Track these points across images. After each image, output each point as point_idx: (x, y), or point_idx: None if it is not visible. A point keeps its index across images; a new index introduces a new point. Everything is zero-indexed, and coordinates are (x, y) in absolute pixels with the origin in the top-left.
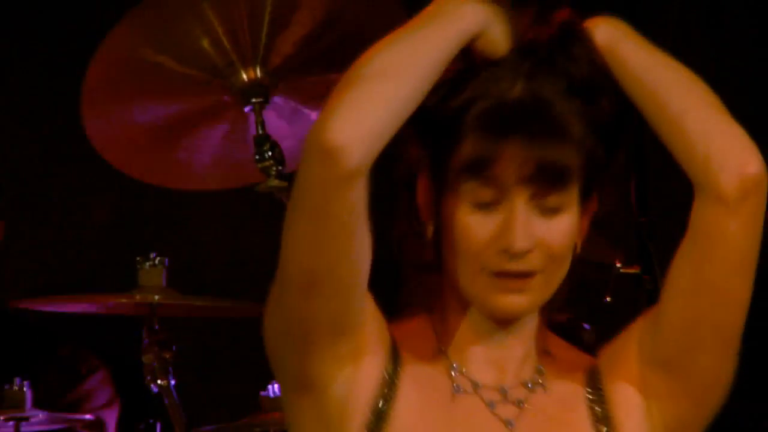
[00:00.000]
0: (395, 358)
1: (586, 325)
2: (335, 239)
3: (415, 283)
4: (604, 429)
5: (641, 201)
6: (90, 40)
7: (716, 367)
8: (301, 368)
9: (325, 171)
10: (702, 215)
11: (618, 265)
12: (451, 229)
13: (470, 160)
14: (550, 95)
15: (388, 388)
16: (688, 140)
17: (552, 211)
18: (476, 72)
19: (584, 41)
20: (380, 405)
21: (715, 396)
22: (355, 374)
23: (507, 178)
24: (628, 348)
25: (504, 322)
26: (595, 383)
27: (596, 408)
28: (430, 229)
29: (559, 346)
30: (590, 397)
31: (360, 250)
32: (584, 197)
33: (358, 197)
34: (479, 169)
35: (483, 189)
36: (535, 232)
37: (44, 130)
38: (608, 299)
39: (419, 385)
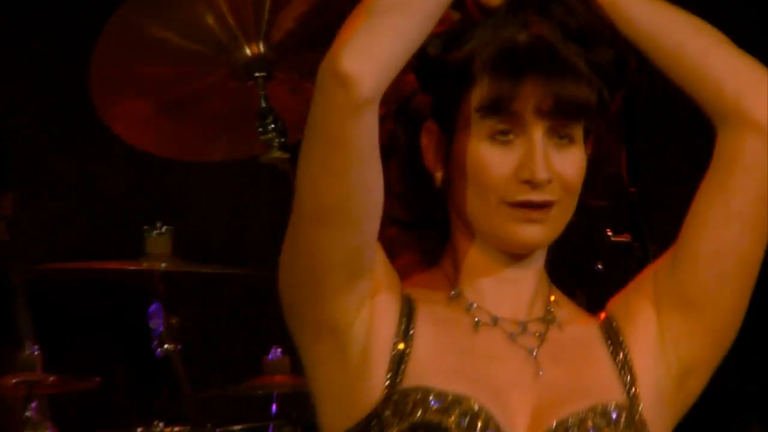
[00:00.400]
0: (409, 303)
1: (578, 292)
2: (350, 167)
3: (412, 242)
4: (622, 363)
5: (631, 171)
6: (98, 17)
7: (736, 302)
8: (320, 313)
9: (340, 98)
10: (734, 147)
11: (609, 233)
12: (468, 167)
13: (490, 99)
14: (552, 40)
15: (406, 326)
16: (714, 76)
17: (565, 145)
18: (476, 24)
19: None
20: (399, 345)
21: (730, 334)
22: (372, 318)
23: (526, 113)
24: (643, 292)
25: (518, 257)
26: (608, 326)
27: (613, 346)
28: (439, 176)
29: (561, 296)
30: (605, 337)
31: (373, 180)
32: (586, 136)
33: (371, 125)
34: (499, 106)
35: (501, 124)
36: (553, 163)
37: (55, 105)
38: (599, 266)
39: (436, 325)
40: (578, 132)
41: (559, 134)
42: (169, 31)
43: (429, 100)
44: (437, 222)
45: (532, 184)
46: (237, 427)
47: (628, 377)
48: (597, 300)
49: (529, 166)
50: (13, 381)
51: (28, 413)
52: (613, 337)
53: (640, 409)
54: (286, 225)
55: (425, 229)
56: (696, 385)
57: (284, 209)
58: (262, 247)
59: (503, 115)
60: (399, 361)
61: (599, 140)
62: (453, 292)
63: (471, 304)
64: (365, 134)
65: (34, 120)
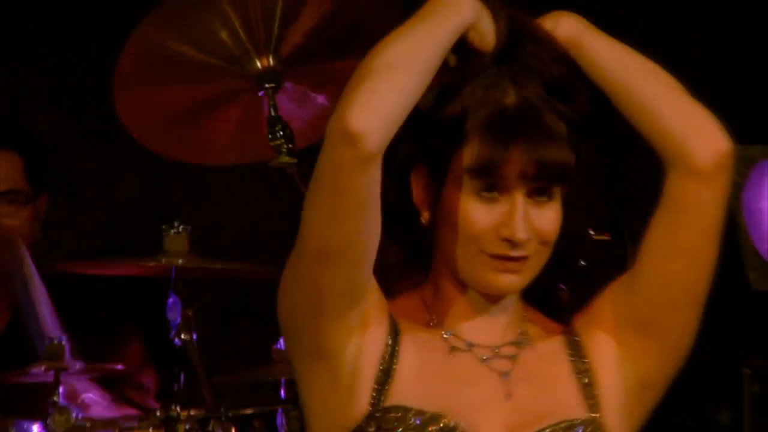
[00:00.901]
0: (394, 326)
1: (561, 286)
2: (353, 214)
3: (397, 266)
4: (586, 379)
5: (611, 177)
6: (122, 31)
7: (685, 325)
8: (315, 337)
9: (348, 153)
10: (678, 188)
11: (591, 232)
12: (453, 217)
13: (480, 163)
14: (535, 99)
15: (391, 351)
16: (663, 123)
17: (544, 202)
18: (466, 79)
19: (549, 41)
20: (385, 365)
21: (682, 352)
22: (363, 341)
23: (511, 177)
24: (603, 311)
25: (494, 297)
26: (573, 343)
27: (577, 363)
28: (425, 216)
29: (535, 314)
30: (571, 353)
31: (373, 225)
32: (563, 188)
33: (376, 177)
34: (488, 171)
35: (488, 185)
36: (532, 221)
37: (81, 113)
38: (583, 263)
39: (418, 348)
40: (557, 189)
41: (539, 194)
42: (187, 45)
43: (420, 148)
44: (420, 253)
45: (512, 243)
46: (248, 411)
47: (592, 394)
48: (580, 293)
49: (510, 227)
50: (42, 368)
51: (55, 398)
52: (578, 354)
53: (602, 423)
54: (292, 226)
55: (405, 261)
56: (653, 396)
57: (290, 211)
58: (271, 246)
59: (491, 178)
60: (384, 381)
61: (576, 190)
62: (431, 321)
63: (448, 333)
64: (371, 185)
65: (61, 126)
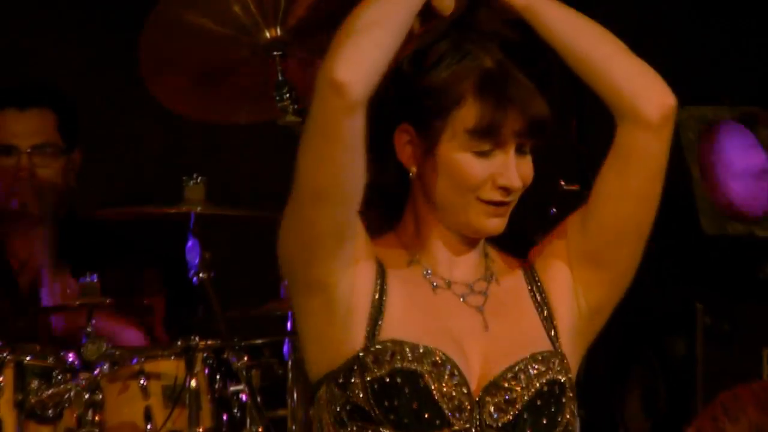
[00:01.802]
0: (380, 265)
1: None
2: (340, 156)
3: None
4: (545, 312)
5: (580, 133)
6: (147, 2)
7: (633, 257)
8: (311, 272)
9: (335, 101)
10: (629, 139)
11: (562, 183)
12: (451, 170)
13: (483, 124)
14: (505, 62)
15: (381, 287)
16: (615, 81)
17: (524, 155)
18: (440, 45)
19: (501, 6)
20: (376, 301)
21: (628, 280)
22: (355, 277)
23: (506, 134)
24: (558, 246)
25: (472, 239)
26: (532, 277)
27: (537, 296)
28: (413, 170)
29: (493, 249)
30: (530, 288)
31: (358, 168)
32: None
33: (360, 122)
34: (491, 131)
35: (487, 143)
36: (518, 173)
37: (111, 79)
38: (554, 211)
39: (404, 285)
40: (531, 143)
41: (522, 147)
42: (204, 18)
43: (407, 110)
44: (393, 200)
45: (507, 190)
46: (258, 341)
47: (552, 326)
48: None
49: (507, 177)
50: (77, 303)
51: (89, 329)
52: (536, 287)
53: (563, 353)
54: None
55: (383, 206)
56: (602, 320)
57: (294, 164)
58: (278, 194)
59: (492, 136)
60: (376, 316)
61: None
62: (412, 259)
63: (427, 270)
64: (356, 130)
65: (93, 90)
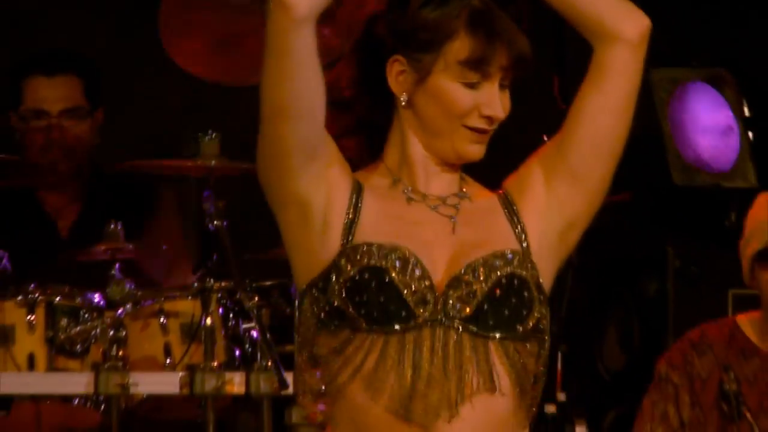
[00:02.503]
0: (358, 184)
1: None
2: (295, 72)
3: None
4: (519, 227)
5: (562, 91)
6: None
7: (606, 172)
8: (285, 188)
9: (283, 18)
10: (610, 57)
11: (544, 138)
12: (442, 98)
13: (475, 57)
14: (492, 2)
15: (356, 201)
16: (597, 14)
17: (504, 88)
18: None
19: None
20: (351, 213)
21: (601, 195)
22: (330, 193)
23: (494, 68)
24: (533, 169)
25: (453, 164)
26: (507, 201)
27: (511, 217)
28: (404, 98)
29: (473, 181)
30: (505, 210)
31: (316, 81)
32: None
33: (309, 38)
34: (481, 63)
35: (476, 75)
36: (501, 104)
37: (134, 42)
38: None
39: (379, 200)
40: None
41: (503, 82)
42: None
43: (400, 43)
44: (377, 127)
45: (491, 119)
46: (267, 283)
47: (522, 233)
48: None
49: (493, 107)
50: (102, 248)
51: (112, 272)
52: (509, 207)
53: (530, 254)
54: None
55: (367, 133)
56: (575, 236)
57: None
58: None
59: (482, 68)
60: (350, 226)
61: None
62: (394, 179)
63: (407, 187)
64: (305, 45)
65: (117, 53)
